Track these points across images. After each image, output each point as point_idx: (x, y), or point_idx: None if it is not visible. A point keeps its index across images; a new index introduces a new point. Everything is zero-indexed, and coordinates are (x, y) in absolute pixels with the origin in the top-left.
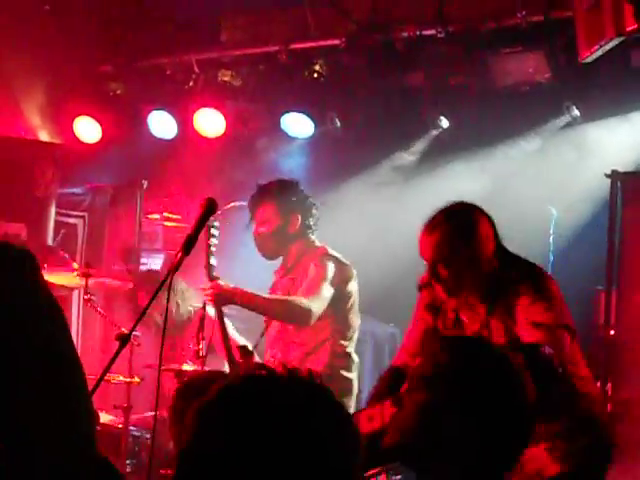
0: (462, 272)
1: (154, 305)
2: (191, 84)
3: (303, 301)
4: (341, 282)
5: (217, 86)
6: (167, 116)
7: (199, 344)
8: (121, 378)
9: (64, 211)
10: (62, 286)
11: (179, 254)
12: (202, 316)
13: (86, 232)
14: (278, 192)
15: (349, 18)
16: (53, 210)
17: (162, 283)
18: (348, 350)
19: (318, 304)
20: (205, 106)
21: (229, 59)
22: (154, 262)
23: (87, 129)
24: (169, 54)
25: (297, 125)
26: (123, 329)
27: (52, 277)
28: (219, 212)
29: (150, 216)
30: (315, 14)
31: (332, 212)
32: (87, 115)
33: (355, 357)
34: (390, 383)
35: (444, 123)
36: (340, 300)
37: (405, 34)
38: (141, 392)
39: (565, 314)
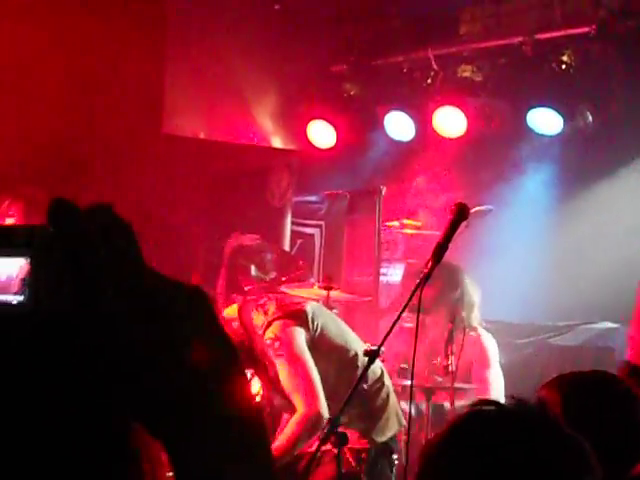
0: None
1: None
2: (429, 82)
3: None
4: None
5: (457, 83)
6: (404, 117)
7: (448, 359)
8: None
9: (300, 220)
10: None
11: (430, 263)
12: (450, 329)
13: (323, 242)
14: None
15: (599, 4)
16: (289, 220)
17: (411, 295)
18: None
19: None
20: (445, 104)
21: (469, 53)
22: (394, 272)
23: (321, 133)
24: (405, 51)
25: (544, 121)
26: (368, 344)
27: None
28: None
29: (389, 223)
30: (562, 1)
31: (583, 215)
32: (321, 119)
33: None
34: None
35: None
36: None
37: None
38: None
39: None
